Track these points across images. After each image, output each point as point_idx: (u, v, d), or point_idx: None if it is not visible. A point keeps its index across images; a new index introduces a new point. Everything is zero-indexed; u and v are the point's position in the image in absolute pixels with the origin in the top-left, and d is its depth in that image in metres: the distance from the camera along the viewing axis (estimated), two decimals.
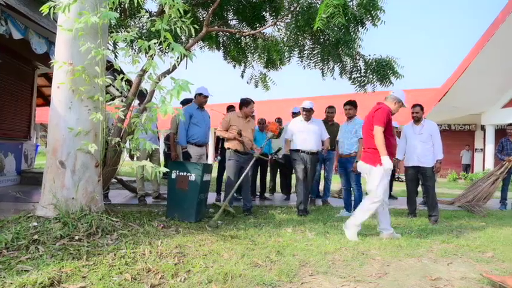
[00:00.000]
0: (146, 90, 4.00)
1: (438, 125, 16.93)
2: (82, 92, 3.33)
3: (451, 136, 17.05)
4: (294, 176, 5.60)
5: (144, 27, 4.81)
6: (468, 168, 16.23)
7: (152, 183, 5.75)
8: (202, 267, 2.70)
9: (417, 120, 5.14)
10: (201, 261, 2.81)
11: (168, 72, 3.89)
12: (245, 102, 4.99)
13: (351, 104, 5.23)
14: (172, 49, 3.21)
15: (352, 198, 5.35)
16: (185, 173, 4.32)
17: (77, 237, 2.99)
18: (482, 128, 15.51)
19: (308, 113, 5.13)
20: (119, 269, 2.54)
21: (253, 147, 5.02)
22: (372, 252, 3.37)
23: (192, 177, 4.29)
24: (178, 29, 3.30)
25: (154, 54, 3.31)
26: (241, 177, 4.63)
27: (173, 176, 4.37)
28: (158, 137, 6.35)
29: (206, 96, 5.11)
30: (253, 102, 5.03)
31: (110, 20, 3.08)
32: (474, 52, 12.49)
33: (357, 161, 4.98)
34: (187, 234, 3.60)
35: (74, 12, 3.21)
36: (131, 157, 5.24)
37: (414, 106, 5.17)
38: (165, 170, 3.04)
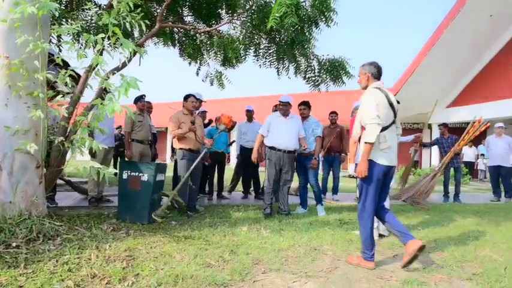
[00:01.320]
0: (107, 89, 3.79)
1: None
2: (20, 88, 3.09)
3: (402, 134, 17.94)
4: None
5: (93, 21, 4.58)
6: (417, 164, 17.19)
7: (101, 184, 5.50)
8: (152, 270, 2.62)
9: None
10: (152, 264, 2.73)
11: (118, 69, 3.72)
12: (185, 97, 4.91)
13: (305, 105, 5.30)
14: (121, 45, 3.08)
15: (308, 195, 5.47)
16: (137, 173, 4.17)
17: (14, 244, 2.78)
18: (429, 126, 16.49)
19: (285, 107, 4.96)
20: (61, 276, 2.40)
21: (205, 140, 4.89)
22: (324, 248, 3.46)
23: (145, 177, 4.15)
24: (127, 24, 3.16)
25: (102, 50, 3.16)
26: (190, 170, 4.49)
27: (124, 176, 4.20)
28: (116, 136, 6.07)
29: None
30: (195, 97, 4.92)
31: (52, 11, 2.89)
32: (422, 54, 13.27)
33: (315, 158, 5.13)
34: (139, 236, 3.48)
35: (9, 1, 2.97)
36: (92, 155, 4.98)
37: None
38: (114, 171, 2.90)
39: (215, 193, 6.66)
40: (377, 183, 2.98)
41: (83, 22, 4.46)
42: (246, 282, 2.54)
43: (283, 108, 4.98)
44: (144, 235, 3.53)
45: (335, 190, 6.98)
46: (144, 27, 3.26)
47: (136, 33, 5.81)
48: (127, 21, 3.08)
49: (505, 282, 2.66)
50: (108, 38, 3.13)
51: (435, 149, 15.11)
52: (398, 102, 3.25)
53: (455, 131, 11.31)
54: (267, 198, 5.00)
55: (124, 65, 3.62)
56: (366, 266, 2.94)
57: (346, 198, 6.86)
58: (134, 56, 3.96)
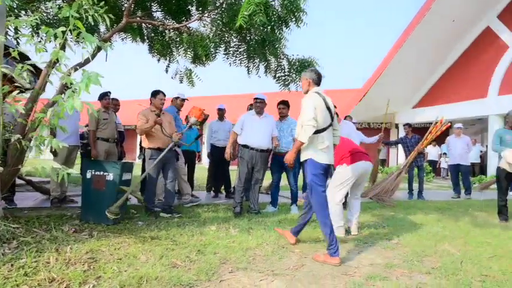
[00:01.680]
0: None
1: (359, 123, 18.17)
2: None
3: (371, 134, 18.42)
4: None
5: (53, 13, 4.37)
6: (384, 162, 17.73)
7: (63, 184, 5.28)
8: (115, 272, 2.54)
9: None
10: (115, 266, 2.65)
11: (81, 64, 3.58)
12: (153, 93, 4.77)
13: (284, 104, 5.35)
14: (84, 39, 2.96)
15: (279, 193, 5.54)
16: (102, 172, 4.05)
17: None
18: (396, 126, 17.05)
19: (261, 104, 4.99)
20: (16, 281, 2.28)
21: (173, 134, 4.67)
22: (291, 246, 3.49)
23: (110, 176, 4.03)
24: (90, 18, 3.05)
25: (63, 44, 3.02)
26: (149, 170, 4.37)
27: (88, 175, 4.07)
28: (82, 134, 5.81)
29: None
30: (163, 93, 4.79)
31: (8, 2, 2.74)
32: (389, 57, 13.70)
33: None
34: (102, 237, 3.37)
35: None
36: (54, 154, 4.77)
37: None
38: (75, 172, 2.79)
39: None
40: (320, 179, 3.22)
41: (43, 14, 4.26)
42: (213, 282, 2.52)
43: (259, 105, 5.01)
44: (108, 236, 3.42)
45: (305, 188, 7.06)
46: (108, 22, 3.15)
47: (103, 28, 5.62)
48: (89, 15, 2.96)
49: (461, 275, 2.79)
50: (70, 32, 3.01)
51: (401, 147, 15.69)
52: (335, 106, 3.48)
53: (421, 130, 11.80)
54: (237, 196, 4.99)
55: (87, 60, 3.48)
56: (331, 262, 3.00)
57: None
58: (99, 51, 3.83)
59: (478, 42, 12.90)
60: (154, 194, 4.74)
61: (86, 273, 2.49)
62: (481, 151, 14.16)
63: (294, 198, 5.42)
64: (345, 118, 7.35)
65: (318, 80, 3.38)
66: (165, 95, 4.83)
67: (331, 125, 3.30)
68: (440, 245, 3.70)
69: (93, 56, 3.58)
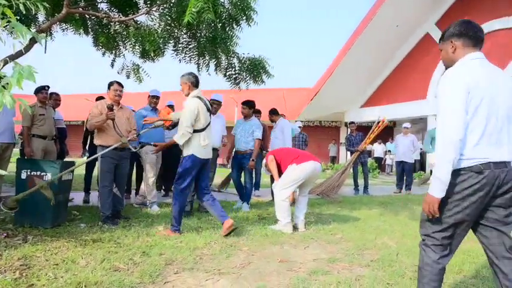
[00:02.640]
0: None
1: (310, 121, 18.68)
2: None
3: (321, 132, 19.13)
4: None
5: None
6: (334, 159, 18.44)
7: None
8: (51, 279, 2.40)
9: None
10: (50, 272, 2.50)
11: (12, 56, 3.30)
12: (108, 85, 4.32)
13: (246, 104, 5.40)
14: (14, 28, 2.73)
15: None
16: (39, 172, 3.78)
17: None
18: (346, 124, 17.78)
19: (217, 106, 5.12)
20: None
21: (130, 133, 4.29)
22: (240, 244, 3.51)
23: (48, 176, 3.78)
24: (21, 6, 2.82)
25: None
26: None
27: (23, 175, 3.78)
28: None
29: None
30: (119, 84, 4.32)
31: None
32: (340, 57, 14.24)
33: (253, 160, 5.22)
34: (39, 242, 3.16)
35: None
36: None
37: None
38: (4, 172, 2.57)
39: (133, 192, 6.34)
40: (196, 172, 3.75)
41: None
42: (157, 284, 2.47)
43: (216, 107, 5.12)
44: (45, 240, 3.22)
45: (256, 186, 7.14)
46: (42, 10, 2.93)
47: (42, 18, 5.25)
48: (20, 2, 2.73)
49: (396, 266, 2.98)
50: None
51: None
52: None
53: (368, 129, 12.40)
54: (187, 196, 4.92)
55: (20, 53, 3.22)
56: (173, 236, 3.58)
57: (266, 194, 7.07)
58: (34, 43, 3.57)
59: (418, 47, 13.82)
60: (106, 199, 4.18)
61: (17, 282, 2.32)
62: (421, 148, 15.24)
63: (247, 196, 5.47)
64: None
65: (196, 83, 3.80)
66: (122, 86, 4.35)
67: (209, 124, 3.83)
68: (380, 238, 3.93)
69: (27, 48, 3.32)
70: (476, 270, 2.92)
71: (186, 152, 3.71)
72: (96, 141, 4.30)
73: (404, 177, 8.75)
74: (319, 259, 3.16)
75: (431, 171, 10.24)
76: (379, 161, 15.97)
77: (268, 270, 2.85)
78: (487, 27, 11.35)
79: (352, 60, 13.81)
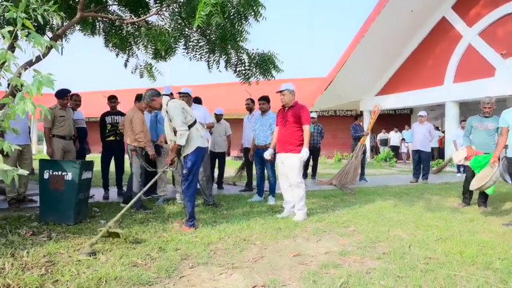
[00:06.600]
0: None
1: (325, 111, 18.59)
2: None
3: (337, 121, 18.94)
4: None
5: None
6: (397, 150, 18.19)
7: (23, 183, 5.11)
8: (74, 275, 2.55)
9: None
10: (73, 268, 2.65)
11: (31, 63, 3.45)
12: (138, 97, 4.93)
13: (264, 99, 5.56)
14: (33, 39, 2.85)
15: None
16: (60, 172, 3.96)
17: None
18: (361, 113, 17.56)
19: (187, 99, 5.14)
20: None
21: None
22: (253, 238, 3.60)
23: (69, 176, 3.96)
24: (39, 17, 2.94)
25: (13, 44, 2.91)
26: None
27: (45, 176, 3.97)
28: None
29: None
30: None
31: None
32: (353, 45, 14.01)
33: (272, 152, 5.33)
34: (62, 239, 3.33)
35: None
36: (5, 155, 4.59)
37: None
38: (26, 172, 2.71)
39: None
40: (200, 163, 4.05)
41: None
42: (172, 279, 2.58)
43: (184, 100, 5.04)
44: (67, 237, 3.39)
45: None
46: (59, 20, 3.05)
47: (54, 22, 5.39)
48: (38, 14, 2.86)
49: (408, 259, 3.00)
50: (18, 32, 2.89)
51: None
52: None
53: (384, 117, 12.26)
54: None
55: (38, 59, 3.36)
56: (189, 231, 3.69)
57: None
58: (50, 49, 3.70)
59: (434, 32, 13.44)
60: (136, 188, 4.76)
61: (43, 278, 2.48)
62: (440, 136, 14.91)
63: (272, 189, 5.63)
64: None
65: (158, 93, 4.04)
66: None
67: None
68: (393, 230, 3.94)
69: (45, 54, 3.45)
70: (489, 262, 2.91)
71: (189, 150, 3.85)
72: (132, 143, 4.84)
73: (421, 166, 8.66)
74: (330, 252, 3.21)
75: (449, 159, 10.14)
76: (396, 150, 15.73)
77: (280, 264, 2.93)
78: (504, 9, 10.95)
79: (366, 49, 13.58)
